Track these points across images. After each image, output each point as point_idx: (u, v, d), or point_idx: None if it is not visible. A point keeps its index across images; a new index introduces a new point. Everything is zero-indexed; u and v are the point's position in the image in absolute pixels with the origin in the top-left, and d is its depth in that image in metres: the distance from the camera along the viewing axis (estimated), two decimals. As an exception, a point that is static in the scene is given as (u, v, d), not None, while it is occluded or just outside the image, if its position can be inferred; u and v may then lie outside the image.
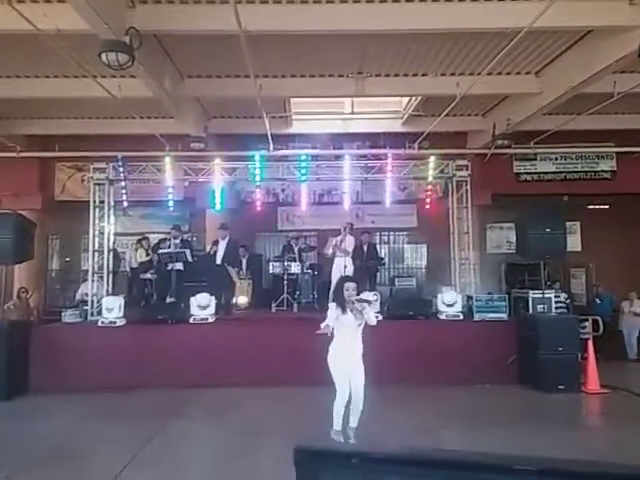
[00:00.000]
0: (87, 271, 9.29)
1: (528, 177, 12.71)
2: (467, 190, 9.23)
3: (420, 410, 6.11)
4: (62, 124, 11.50)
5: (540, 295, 7.96)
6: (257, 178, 9.62)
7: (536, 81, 9.27)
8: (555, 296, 9.41)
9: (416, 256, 13.57)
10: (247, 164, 9.66)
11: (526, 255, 8.25)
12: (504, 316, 8.00)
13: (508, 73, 9.13)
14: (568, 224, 8.56)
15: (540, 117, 9.91)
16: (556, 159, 12.58)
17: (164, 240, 10.04)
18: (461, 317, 8.02)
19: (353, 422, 4.85)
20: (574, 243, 11.88)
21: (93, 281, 8.82)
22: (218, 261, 9.28)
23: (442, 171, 9.38)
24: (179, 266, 9.31)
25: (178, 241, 9.59)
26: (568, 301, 10.32)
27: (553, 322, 7.56)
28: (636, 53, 6.43)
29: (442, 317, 8.04)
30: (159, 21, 6.75)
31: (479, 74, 8.12)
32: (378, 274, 10.91)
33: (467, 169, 9.24)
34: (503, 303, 8.08)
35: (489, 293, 9.06)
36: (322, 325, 4.74)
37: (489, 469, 0.71)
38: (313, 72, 9.13)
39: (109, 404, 6.50)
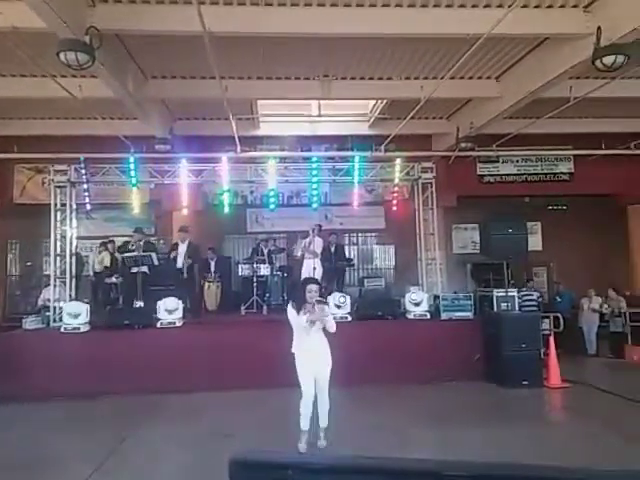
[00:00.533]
0: (49, 276, 9.02)
1: (491, 179, 13.04)
2: (432, 192, 9.41)
3: (388, 409, 6.19)
4: (22, 124, 11.14)
5: (504, 293, 8.19)
6: (224, 180, 9.55)
7: (496, 85, 9.54)
8: (526, 294, 9.73)
9: (384, 257, 13.73)
10: (214, 166, 9.59)
11: (490, 255, 8.47)
12: (470, 315, 8.18)
13: (470, 77, 9.37)
14: (529, 224, 8.86)
15: (501, 120, 10.19)
16: (517, 161, 12.96)
17: (127, 243, 9.81)
18: (428, 316, 8.16)
19: (322, 422, 4.87)
20: (535, 243, 12.28)
21: (55, 286, 8.57)
22: (179, 265, 9.12)
23: (408, 173, 9.54)
24: (144, 269, 9.12)
25: (142, 243, 9.40)
26: (540, 299, 10.64)
27: (516, 320, 7.79)
28: (590, 60, 6.69)
29: (410, 317, 8.17)
30: (121, 20, 6.63)
31: (442, 78, 8.30)
32: (347, 275, 10.99)
33: (432, 171, 9.42)
34: (469, 302, 8.27)
35: (455, 292, 9.26)
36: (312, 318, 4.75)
37: (421, 476, 0.72)
38: (279, 74, 9.14)
39: (73, 412, 6.33)
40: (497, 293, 8.19)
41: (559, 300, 11.65)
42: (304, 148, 11.99)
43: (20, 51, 6.82)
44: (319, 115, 11.06)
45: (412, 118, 9.53)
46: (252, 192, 12.64)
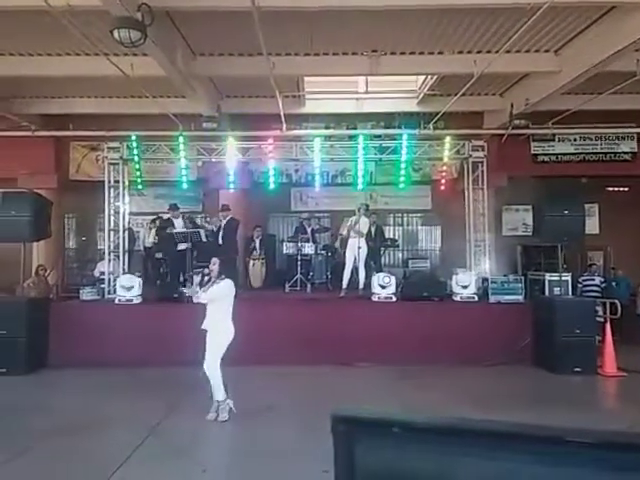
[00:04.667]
0: (103, 250, 9.38)
1: (545, 158, 12.46)
2: (483, 171, 9.10)
3: (431, 390, 6.13)
4: (77, 103, 11.50)
5: (557, 277, 7.87)
6: (270, 159, 9.56)
7: (556, 59, 9.01)
8: (588, 279, 9.32)
9: (430, 238, 13.46)
10: (260, 144, 9.61)
11: (543, 237, 8.13)
12: (520, 298, 7.94)
13: (527, 51, 8.88)
14: (586, 206, 8.41)
15: (559, 97, 9.65)
16: (575, 140, 12.31)
17: (166, 221, 9.95)
18: (476, 299, 7.98)
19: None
20: (592, 226, 11.67)
21: (109, 260, 8.91)
22: (220, 242, 9.29)
23: (458, 152, 9.24)
24: (184, 246, 9.24)
25: (180, 220, 9.55)
26: (604, 285, 10.16)
27: (570, 304, 7.49)
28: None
29: (457, 299, 8.00)
30: (171, -3, 6.66)
31: (497, 52, 7.93)
32: (391, 256, 10.87)
33: (483, 150, 9.10)
34: (519, 285, 8.01)
35: (504, 275, 8.98)
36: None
37: (540, 441, 0.69)
38: (327, 50, 8.98)
39: (126, 379, 6.62)
40: (549, 277, 7.89)
41: (615, 286, 11.11)
42: (350, 126, 11.82)
43: (75, 29, 6.98)
44: (366, 92, 10.83)
45: (463, 94, 9.20)
46: (297, 171, 12.63)
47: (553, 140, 12.21)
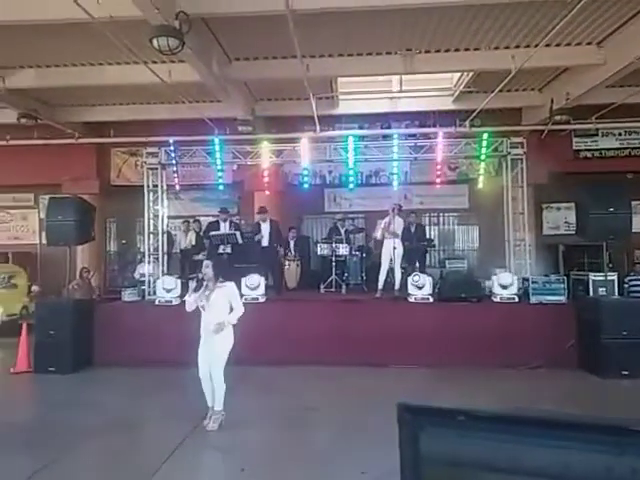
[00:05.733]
0: (143, 252, 9.63)
1: (588, 154, 12.04)
2: (522, 168, 8.85)
3: (472, 392, 5.98)
4: (117, 110, 11.87)
5: (602, 278, 7.58)
6: (304, 160, 9.60)
7: (598, 52, 8.68)
8: (635, 279, 8.96)
9: (467, 238, 13.22)
10: (294, 146, 9.66)
11: (587, 236, 7.84)
12: (562, 299, 7.68)
13: (568, 44, 8.59)
14: (633, 203, 8.05)
15: (602, 90, 9.31)
16: (619, 134, 11.85)
17: (213, 223, 10.23)
18: (516, 300, 7.77)
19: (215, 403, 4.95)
20: (639, 223, 11.19)
21: (149, 262, 9.14)
22: (265, 243, 9.36)
23: (496, 149, 9.03)
24: (228, 249, 9.46)
25: (227, 223, 9.76)
26: None
27: (617, 305, 7.19)
28: None
29: (496, 299, 7.82)
30: (207, 4, 6.79)
31: (536, 46, 7.72)
32: (427, 256, 10.72)
33: (522, 146, 8.86)
34: (561, 285, 7.76)
35: (546, 275, 8.71)
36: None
37: (602, 430, 0.69)
38: (360, 50, 8.95)
39: (167, 378, 6.75)
40: (594, 277, 7.60)
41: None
42: (384, 125, 11.74)
43: (116, 39, 7.20)
44: (400, 91, 10.73)
45: (501, 91, 8.99)
46: (330, 172, 12.65)
47: (596, 135, 11.80)
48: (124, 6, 6.22)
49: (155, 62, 8.65)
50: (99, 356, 7.71)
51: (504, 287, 7.78)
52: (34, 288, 11.71)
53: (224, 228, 9.62)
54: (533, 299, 7.72)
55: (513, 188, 8.95)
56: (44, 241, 12.47)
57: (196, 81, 8.80)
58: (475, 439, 0.77)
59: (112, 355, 7.47)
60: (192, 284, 4.91)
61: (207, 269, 4.79)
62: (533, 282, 7.88)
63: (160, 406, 5.59)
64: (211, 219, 10.69)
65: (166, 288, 8.14)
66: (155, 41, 6.46)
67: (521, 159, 8.85)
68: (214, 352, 4.77)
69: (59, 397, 6.26)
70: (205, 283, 4.80)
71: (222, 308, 4.76)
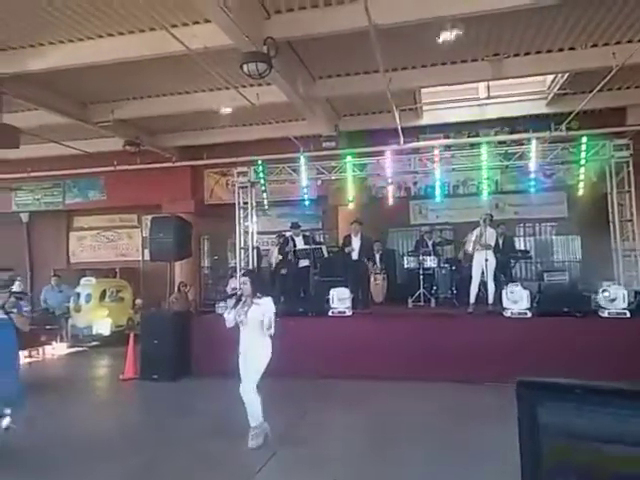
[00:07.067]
0: (234, 267, 10.05)
1: None
2: (629, 172, 8.12)
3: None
4: (208, 134, 12.64)
5: None
6: (388, 173, 9.54)
7: None
8: None
9: (567, 248, 12.33)
10: (378, 159, 9.64)
11: None
12: (684, 314, 6.87)
13: (678, 35, 7.82)
14: None
15: None
16: None
17: (287, 239, 10.29)
18: (628, 315, 7.08)
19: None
20: None
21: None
22: (355, 257, 9.29)
23: (597, 153, 8.37)
24: (306, 263, 9.54)
25: (300, 238, 9.85)
26: None
27: None
28: None
29: (604, 314, 7.17)
30: (294, 28, 7.05)
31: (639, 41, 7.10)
32: (522, 268, 10.15)
33: (628, 148, 8.12)
34: (681, 300, 6.95)
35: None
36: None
37: None
38: (444, 60, 8.79)
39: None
40: None
41: None
42: (471, 134, 11.37)
43: (208, 68, 7.69)
44: (488, 97, 10.36)
45: (601, 90, 8.36)
46: (415, 183, 12.46)
47: None
48: (216, 36, 6.66)
49: (244, 86, 9.11)
50: (196, 365, 8.11)
51: (612, 301, 7.11)
52: (138, 301, 12.66)
53: (299, 243, 9.74)
54: (647, 314, 6.99)
55: (619, 194, 8.23)
56: (146, 257, 13.54)
57: (282, 101, 9.13)
58: (591, 412, 0.82)
59: (207, 365, 7.81)
60: (230, 301, 4.82)
61: (245, 285, 4.69)
62: (647, 296, 7.14)
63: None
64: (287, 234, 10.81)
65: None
66: (245, 67, 6.81)
67: (627, 162, 8.13)
68: (249, 366, 4.71)
69: (163, 403, 6.69)
70: (243, 299, 4.71)
71: (260, 324, 4.65)
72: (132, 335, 8.39)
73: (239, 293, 4.74)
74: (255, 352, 4.67)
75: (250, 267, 9.64)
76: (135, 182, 13.50)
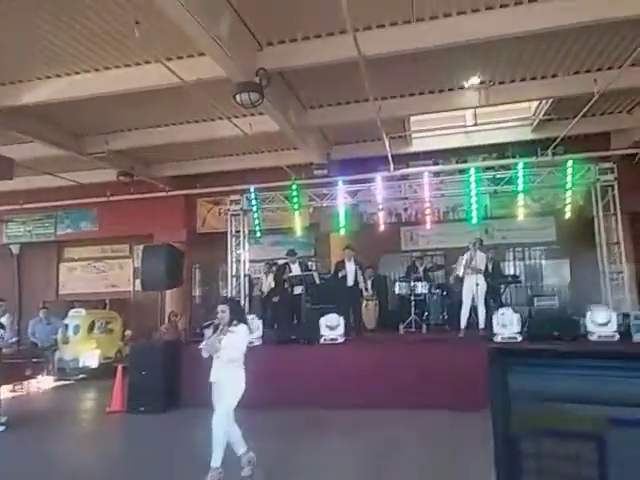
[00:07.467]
0: (226, 296, 9.99)
1: (690, 177, 10.99)
2: (614, 195, 8.28)
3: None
4: (202, 163, 12.76)
5: None
6: (379, 199, 9.64)
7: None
8: None
9: (557, 272, 12.41)
10: (369, 185, 9.76)
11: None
12: (673, 336, 6.89)
13: (656, 62, 8.11)
14: None
15: (702, 107, 8.61)
16: None
17: (282, 265, 10.32)
18: (617, 338, 7.08)
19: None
20: None
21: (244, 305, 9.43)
22: (350, 283, 9.24)
23: (583, 177, 8.54)
24: (299, 290, 9.51)
25: (297, 265, 9.85)
26: None
27: None
28: None
29: (593, 338, 7.17)
30: (285, 59, 7.24)
31: (620, 67, 7.36)
32: (512, 293, 10.18)
33: (613, 172, 8.32)
34: (671, 321, 6.98)
35: (651, 310, 7.91)
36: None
37: None
38: (433, 88, 9.02)
39: (247, 420, 6.80)
40: None
41: None
42: (459, 160, 11.57)
43: (203, 99, 7.83)
44: (475, 124, 10.60)
45: (584, 116, 8.60)
46: (406, 209, 12.59)
47: (699, 156, 10.79)
48: (210, 68, 6.83)
49: (237, 116, 9.26)
50: (186, 396, 7.94)
51: (601, 324, 7.13)
52: (127, 333, 12.48)
53: (295, 269, 9.74)
54: (636, 336, 7.00)
55: (605, 217, 8.36)
56: (137, 288, 13.43)
57: (275, 131, 9.28)
58: (558, 374, 0.88)
59: (197, 395, 7.54)
60: (208, 331, 4.59)
61: (223, 314, 4.49)
62: (635, 318, 7.16)
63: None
64: (281, 262, 10.84)
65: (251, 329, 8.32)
66: (238, 97, 6.95)
67: (612, 186, 8.30)
68: (224, 398, 4.45)
69: (150, 435, 6.50)
70: (221, 327, 4.51)
71: (235, 352, 4.44)
72: (120, 367, 8.23)
73: (216, 322, 4.55)
74: (228, 383, 4.44)
75: (242, 294, 9.59)
76: (127, 212, 13.52)
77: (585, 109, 8.24)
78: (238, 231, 9.97)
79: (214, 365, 4.50)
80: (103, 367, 11.07)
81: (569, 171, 8.50)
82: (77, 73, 7.87)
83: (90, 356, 11.18)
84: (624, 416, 0.81)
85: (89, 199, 13.32)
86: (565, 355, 0.90)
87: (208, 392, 4.57)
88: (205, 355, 4.49)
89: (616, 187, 8.30)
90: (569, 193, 8.77)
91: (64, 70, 7.79)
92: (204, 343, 4.51)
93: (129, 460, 5.58)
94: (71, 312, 11.77)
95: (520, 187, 8.79)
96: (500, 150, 11.40)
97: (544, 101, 9.75)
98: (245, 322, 4.65)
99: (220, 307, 4.55)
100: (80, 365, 10.97)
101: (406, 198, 10.11)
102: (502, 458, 0.91)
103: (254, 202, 9.91)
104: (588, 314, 7.45)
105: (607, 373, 0.85)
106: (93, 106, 8.65)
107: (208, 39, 5.88)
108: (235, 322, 4.51)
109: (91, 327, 11.72)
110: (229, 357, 4.41)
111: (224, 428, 4.38)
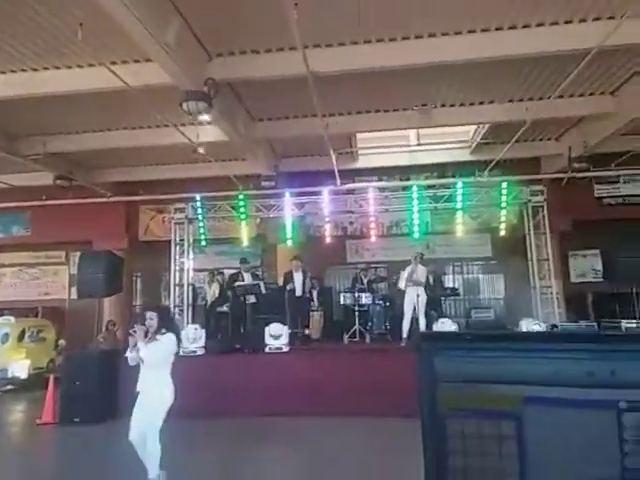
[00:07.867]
0: (168, 305, 9.77)
1: (612, 201, 11.98)
2: (544, 216, 8.89)
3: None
4: (146, 170, 12.44)
5: (634, 325, 7.36)
6: (325, 212, 9.82)
7: (612, 101, 8.88)
8: None
9: (492, 286, 13.06)
10: (316, 198, 9.92)
11: (616, 281, 7.72)
12: (593, 348, 7.43)
13: (581, 95, 8.83)
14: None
15: (618, 138, 9.43)
16: (642, 181, 11.80)
17: (235, 274, 10.30)
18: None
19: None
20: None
21: (175, 314, 9.26)
22: (298, 293, 9.31)
23: (516, 197, 9.11)
24: (253, 299, 9.53)
25: (249, 274, 9.84)
26: None
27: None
28: None
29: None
30: (234, 70, 7.28)
31: (549, 98, 7.95)
32: (451, 305, 10.61)
33: (542, 194, 8.94)
34: (592, 334, 7.53)
35: (575, 322, 8.50)
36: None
37: (584, 340, 0.90)
38: (378, 107, 9.34)
39: (189, 430, 6.67)
40: (627, 324, 7.39)
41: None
42: (403, 178, 11.99)
43: (148, 105, 7.71)
44: (418, 144, 11.05)
45: (517, 141, 9.18)
46: (352, 223, 12.84)
47: (618, 182, 11.79)
48: (157, 74, 6.75)
49: (184, 125, 9.16)
50: (123, 406, 7.66)
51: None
52: (61, 342, 11.90)
53: (247, 279, 9.73)
54: (563, 348, 7.50)
55: (536, 235, 8.95)
56: (73, 296, 12.84)
57: (222, 141, 9.25)
58: (479, 357, 0.93)
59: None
60: (132, 339, 4.35)
61: (152, 321, 4.33)
62: (563, 329, 7.69)
63: (184, 458, 5.51)
64: (233, 271, 10.81)
65: (190, 338, 8.20)
66: (185, 105, 6.90)
67: (542, 206, 8.90)
68: (150, 410, 4.24)
69: (80, 447, 6.24)
70: (149, 335, 4.33)
71: (161, 361, 4.32)
72: (52, 377, 7.85)
73: (145, 330, 4.35)
74: (154, 394, 4.27)
75: (185, 304, 9.42)
76: (65, 217, 12.90)
77: (517, 135, 8.80)
78: (182, 240, 9.83)
79: (140, 374, 4.35)
80: (33, 378, 10.49)
81: (504, 192, 9.05)
82: (13, 72, 7.53)
83: (19, 366, 10.56)
84: (538, 394, 0.88)
85: (23, 203, 12.64)
86: (485, 338, 0.97)
87: (133, 402, 4.37)
88: (132, 363, 4.35)
89: (545, 208, 8.92)
90: (503, 212, 9.34)
91: (1, 68, 7.44)
92: (129, 350, 4.35)
93: (58, 474, 5.34)
94: (-1, 320, 11.12)
95: (459, 205, 9.26)
96: (441, 170, 11.92)
97: (481, 125, 10.33)
98: (174, 331, 4.50)
99: (148, 314, 4.40)
100: (9, 375, 10.36)
101: (352, 212, 10.36)
102: (429, 439, 0.96)
103: (200, 211, 9.82)
104: (520, 325, 7.93)
105: (522, 355, 0.91)
106: (30, 106, 8.29)
107: (155, 45, 5.82)
108: (163, 330, 4.38)
109: (21, 336, 11.10)
110: (153, 366, 4.27)
111: (157, 441, 4.25)
